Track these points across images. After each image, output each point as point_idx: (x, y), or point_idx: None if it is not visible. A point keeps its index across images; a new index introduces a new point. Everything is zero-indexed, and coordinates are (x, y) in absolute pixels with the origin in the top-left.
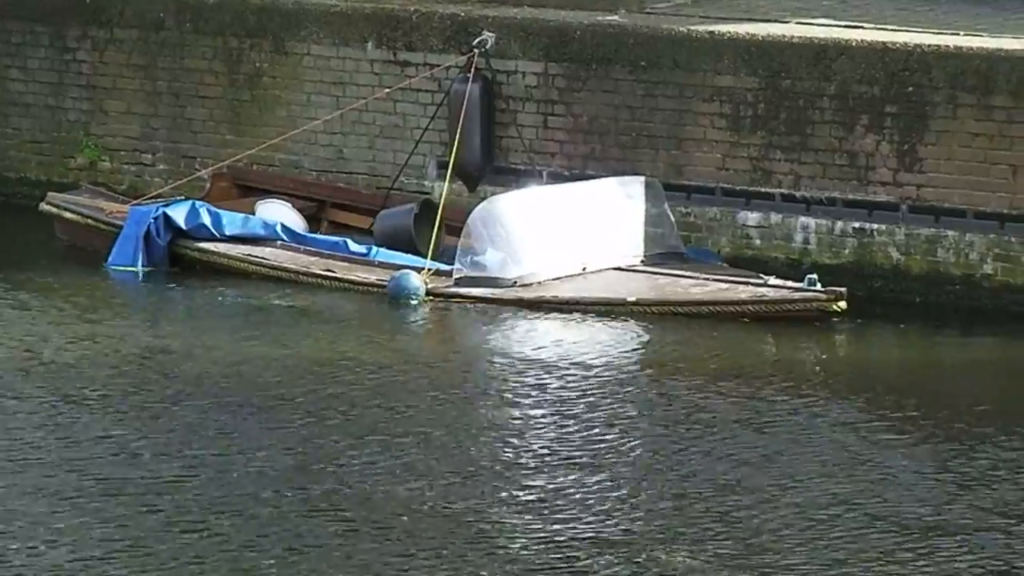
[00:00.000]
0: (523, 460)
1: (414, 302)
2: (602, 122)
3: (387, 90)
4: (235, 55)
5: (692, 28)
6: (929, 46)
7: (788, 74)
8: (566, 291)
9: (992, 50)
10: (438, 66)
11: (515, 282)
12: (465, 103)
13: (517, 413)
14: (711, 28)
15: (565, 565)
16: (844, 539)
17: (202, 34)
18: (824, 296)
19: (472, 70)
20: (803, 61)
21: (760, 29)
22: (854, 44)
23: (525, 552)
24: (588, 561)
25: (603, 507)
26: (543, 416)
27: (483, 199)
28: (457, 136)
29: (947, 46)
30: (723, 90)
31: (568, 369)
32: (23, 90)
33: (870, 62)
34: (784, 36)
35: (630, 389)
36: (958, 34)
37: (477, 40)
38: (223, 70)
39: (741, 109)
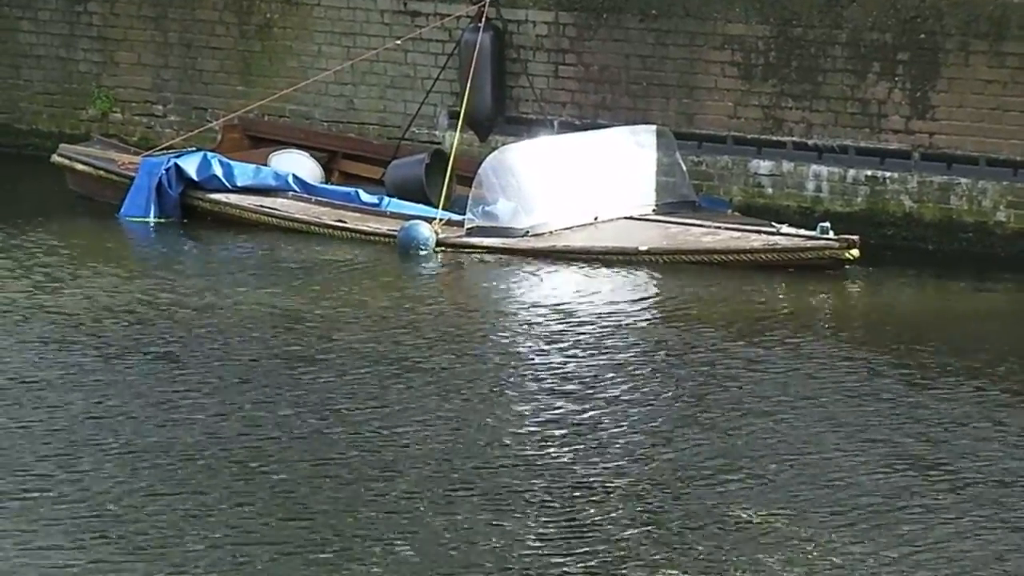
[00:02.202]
0: (535, 410)
1: (423, 252)
2: (613, 71)
3: (398, 40)
4: (245, 6)
5: None
6: None
7: (799, 21)
8: (578, 240)
9: None
10: (448, 16)
11: (527, 232)
12: (476, 53)
13: (528, 363)
14: None
15: (578, 512)
16: (861, 478)
17: None
18: (837, 244)
19: (483, 20)
20: (814, 8)
21: None
22: None
23: (541, 499)
24: (602, 506)
25: (621, 455)
26: (554, 365)
27: (494, 149)
28: (468, 86)
29: None
30: (734, 38)
31: (579, 318)
32: (34, 42)
33: (882, 9)
34: None
35: (642, 338)
36: None
37: None
38: (234, 21)
39: (752, 57)
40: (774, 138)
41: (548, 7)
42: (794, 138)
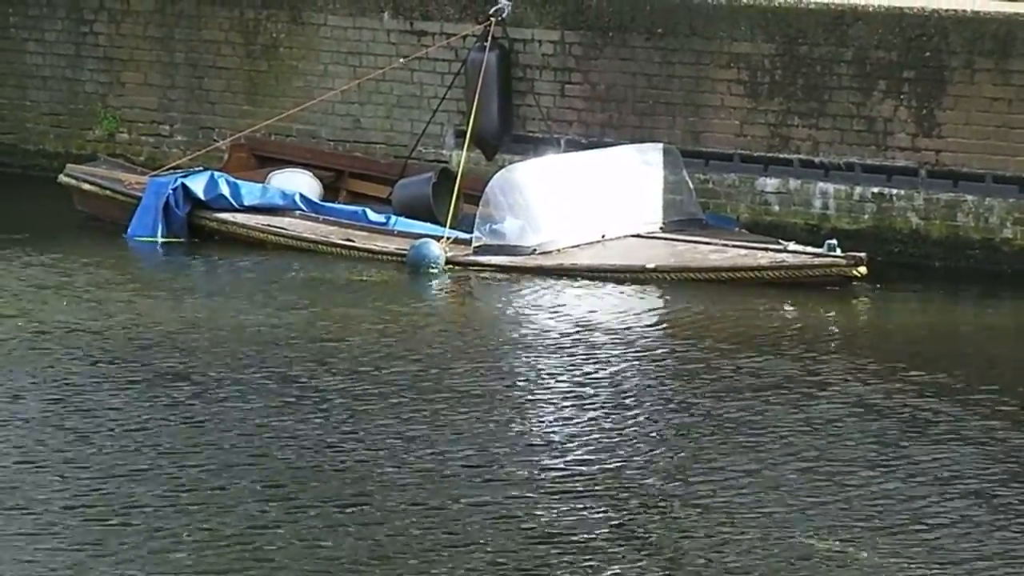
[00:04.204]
0: (544, 427)
1: (434, 271)
2: (619, 89)
3: (403, 60)
4: (252, 26)
5: None
6: (946, 11)
7: (805, 40)
8: (585, 259)
9: (1009, 14)
10: (455, 35)
11: (534, 250)
12: (482, 72)
13: (537, 381)
14: None
15: (584, 529)
16: (867, 500)
17: (219, 5)
18: (844, 261)
19: (489, 39)
20: (820, 27)
21: None
22: (871, 9)
23: (548, 516)
24: (611, 522)
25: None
26: (563, 383)
27: (501, 167)
28: (474, 105)
29: (964, 11)
30: (740, 56)
31: (587, 336)
32: (41, 63)
33: (887, 27)
34: (801, 2)
35: (649, 356)
36: None
37: (494, 9)
38: (240, 41)
39: (758, 75)
40: (781, 156)
41: (554, 26)
42: (801, 156)
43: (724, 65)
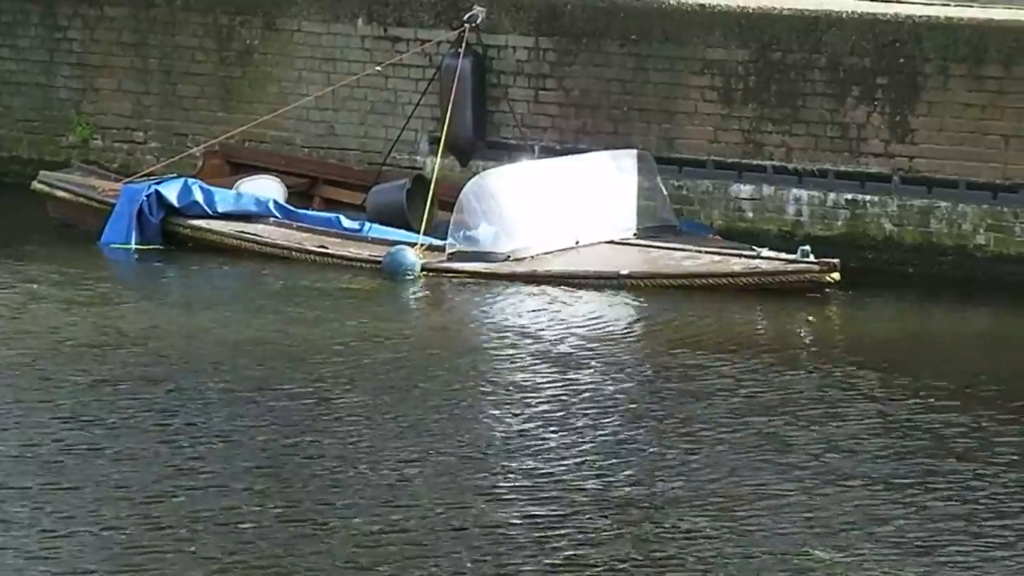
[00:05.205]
0: (518, 435)
1: (410, 277)
2: (593, 96)
3: (378, 66)
4: (226, 32)
5: (682, 1)
6: (920, 17)
7: (779, 46)
8: (559, 265)
9: (983, 20)
10: (429, 41)
11: (508, 256)
12: (456, 78)
13: (512, 387)
14: (701, 1)
15: (554, 533)
16: (839, 504)
17: (192, 11)
18: (817, 268)
19: (463, 45)
20: (794, 33)
21: (750, 1)
22: (844, 16)
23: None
24: (580, 522)
25: (598, 480)
26: (537, 390)
27: (475, 174)
28: (449, 111)
29: (938, 17)
30: (714, 63)
31: (562, 343)
32: (14, 69)
33: (861, 33)
34: (774, 8)
35: (623, 362)
36: (948, 4)
37: (468, 15)
38: (214, 47)
39: (732, 82)
40: (754, 162)
41: (528, 32)
42: (774, 162)
43: (698, 71)
